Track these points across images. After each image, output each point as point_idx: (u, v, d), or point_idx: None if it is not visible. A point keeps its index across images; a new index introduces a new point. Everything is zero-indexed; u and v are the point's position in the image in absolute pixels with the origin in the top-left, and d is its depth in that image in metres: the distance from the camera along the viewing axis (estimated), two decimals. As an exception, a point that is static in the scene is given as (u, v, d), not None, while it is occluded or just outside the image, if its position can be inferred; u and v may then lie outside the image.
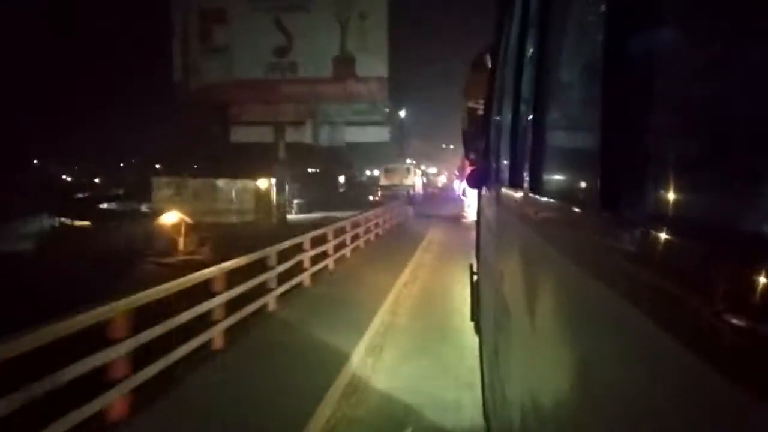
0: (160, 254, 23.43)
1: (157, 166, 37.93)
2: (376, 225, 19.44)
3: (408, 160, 55.15)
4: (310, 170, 39.65)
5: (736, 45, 0.62)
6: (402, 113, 29.61)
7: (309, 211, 35.56)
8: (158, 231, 28.11)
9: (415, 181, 43.69)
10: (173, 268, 15.66)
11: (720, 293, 0.54)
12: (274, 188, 32.70)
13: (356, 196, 40.33)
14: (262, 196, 31.07)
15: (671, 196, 0.75)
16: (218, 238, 25.77)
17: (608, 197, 0.90)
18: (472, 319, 4.56)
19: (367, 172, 47.91)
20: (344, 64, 28.14)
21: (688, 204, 0.72)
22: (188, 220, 29.57)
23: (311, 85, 28.35)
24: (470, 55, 4.33)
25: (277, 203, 29.46)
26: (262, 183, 31.26)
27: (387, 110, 28.18)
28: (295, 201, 36.64)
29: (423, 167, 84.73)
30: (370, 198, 39.48)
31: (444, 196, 52.19)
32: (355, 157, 36.71)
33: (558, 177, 1.57)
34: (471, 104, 4.23)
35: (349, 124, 28.82)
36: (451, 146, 74.98)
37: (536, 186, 1.62)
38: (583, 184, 1.16)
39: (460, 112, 4.73)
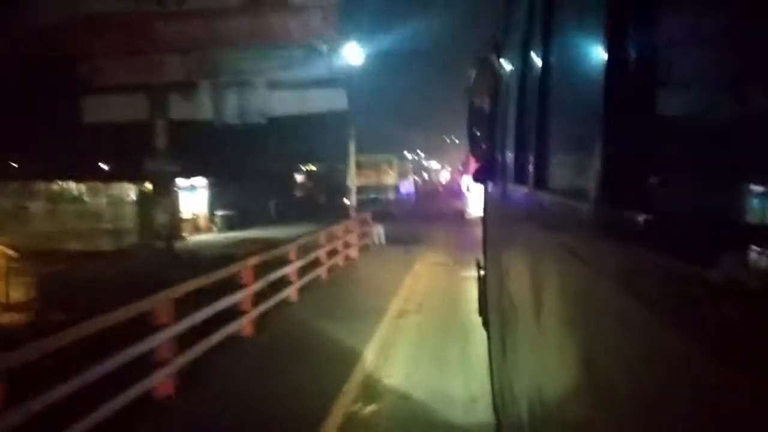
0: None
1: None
2: (313, 263, 8.77)
3: (406, 154, 44.34)
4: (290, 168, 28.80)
5: (738, 43, 0.65)
6: (359, 57, 17.52)
7: (240, 228, 24.71)
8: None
9: (403, 178, 32.60)
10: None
11: (725, 287, 0.56)
12: (174, 195, 21.82)
13: (324, 204, 29.63)
14: (148, 209, 20.19)
15: (675, 191, 0.81)
16: (69, 279, 15.39)
17: (613, 193, 0.95)
18: (480, 314, 4.69)
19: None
20: (261, -19, 17.04)
21: (693, 200, 0.76)
22: (10, 252, 18.79)
23: (206, 19, 17.28)
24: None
25: (156, 220, 18.46)
26: (151, 189, 20.40)
27: (335, 56, 16.80)
28: (219, 213, 25.66)
29: (422, 160, 74.99)
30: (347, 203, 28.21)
31: (447, 197, 41.60)
32: (303, 146, 25.40)
33: (563, 173, 1.59)
34: (477, 101, 4.22)
35: (276, 86, 17.72)
36: (456, 140, 69.20)
37: (542, 182, 1.71)
38: (588, 180, 1.16)
39: (466, 109, 4.66)
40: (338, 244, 12.68)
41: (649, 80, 0.86)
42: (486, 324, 4.32)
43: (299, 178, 34.94)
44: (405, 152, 59.21)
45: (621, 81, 0.91)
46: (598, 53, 1.05)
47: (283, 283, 9.10)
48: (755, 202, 0.60)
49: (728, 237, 0.61)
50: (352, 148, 17.52)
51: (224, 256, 14.86)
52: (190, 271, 7.57)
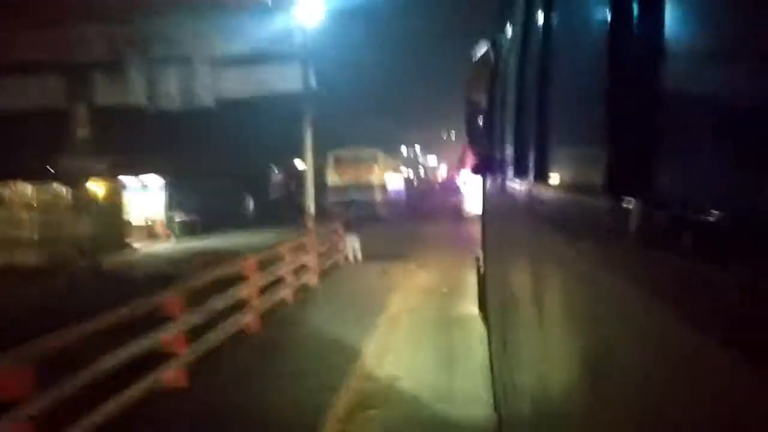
0: None
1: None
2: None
3: (402, 148, 41.12)
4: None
5: (741, 32, 0.64)
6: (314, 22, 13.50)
7: (202, 235, 21.18)
8: None
9: (392, 176, 28.99)
10: None
11: (731, 281, 0.55)
12: (117, 198, 18.23)
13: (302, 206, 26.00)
14: (92, 213, 16.57)
15: (677, 183, 0.78)
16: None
17: (613, 186, 0.93)
18: (480, 309, 4.64)
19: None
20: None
21: (696, 191, 0.73)
22: None
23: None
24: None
25: (77, 230, 14.95)
26: (96, 190, 16.73)
27: (286, 16, 13.14)
28: (178, 218, 22.10)
29: (419, 155, 71.58)
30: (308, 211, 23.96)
31: (443, 194, 38.27)
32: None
33: (563, 166, 1.58)
34: (475, 92, 4.22)
35: (220, 62, 14.15)
36: (453, 133, 66.63)
37: (541, 175, 1.67)
38: (588, 173, 1.15)
39: (464, 103, 4.63)
40: (285, 272, 9.17)
41: (651, 69, 0.83)
42: (486, 320, 4.23)
43: (277, 176, 31.29)
44: (402, 146, 55.72)
45: (625, 67, 0.90)
46: (599, 39, 1.03)
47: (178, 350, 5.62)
48: (763, 191, 0.57)
49: (735, 230, 0.59)
50: (308, 138, 13.78)
51: (162, 276, 11.43)
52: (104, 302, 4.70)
